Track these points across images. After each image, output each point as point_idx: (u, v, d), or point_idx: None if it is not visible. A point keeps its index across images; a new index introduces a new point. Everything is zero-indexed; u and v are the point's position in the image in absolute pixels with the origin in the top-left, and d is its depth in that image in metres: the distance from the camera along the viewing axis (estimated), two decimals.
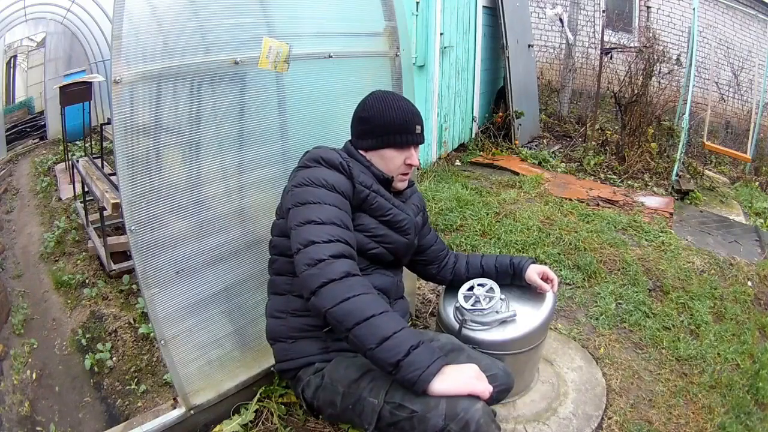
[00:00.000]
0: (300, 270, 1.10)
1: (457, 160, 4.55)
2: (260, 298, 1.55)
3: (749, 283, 2.82)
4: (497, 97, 5.33)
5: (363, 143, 1.36)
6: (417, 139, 1.36)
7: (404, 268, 1.54)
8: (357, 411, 1.14)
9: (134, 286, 2.71)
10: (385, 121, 1.32)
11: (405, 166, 1.37)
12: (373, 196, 1.30)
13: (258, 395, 1.60)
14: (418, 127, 1.35)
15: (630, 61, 4.89)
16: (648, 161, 4.52)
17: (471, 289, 1.56)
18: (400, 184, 1.40)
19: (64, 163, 5.10)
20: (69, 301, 2.73)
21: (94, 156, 4.60)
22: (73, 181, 4.31)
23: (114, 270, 2.84)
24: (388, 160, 1.35)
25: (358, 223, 1.27)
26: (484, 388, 1.04)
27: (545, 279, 1.59)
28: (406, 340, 1.02)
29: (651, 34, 5.13)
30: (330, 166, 1.25)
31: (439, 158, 4.40)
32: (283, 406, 1.62)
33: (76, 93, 5.18)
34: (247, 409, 1.56)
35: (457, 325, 1.53)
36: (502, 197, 3.59)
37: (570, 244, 2.92)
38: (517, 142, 4.88)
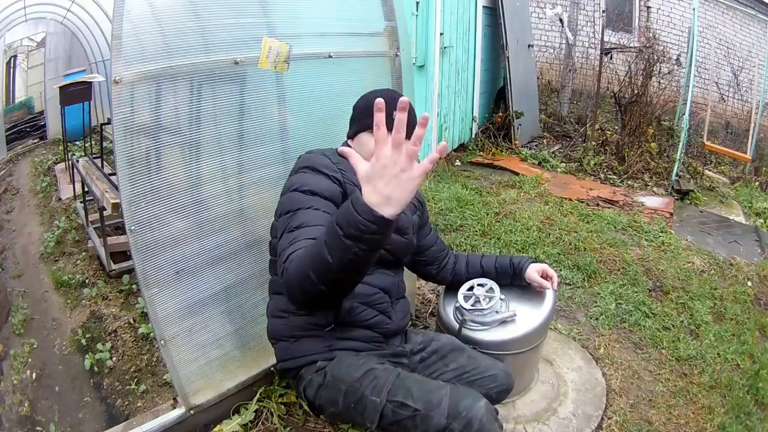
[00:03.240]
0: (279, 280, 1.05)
1: (457, 160, 4.55)
2: (260, 298, 1.56)
3: (749, 283, 2.82)
4: (497, 97, 5.33)
5: (348, 133, 1.39)
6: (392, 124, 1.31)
7: (404, 268, 1.53)
8: (359, 409, 1.14)
9: (134, 286, 2.71)
10: (363, 105, 1.34)
11: None
12: None
13: (258, 395, 1.60)
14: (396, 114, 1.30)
15: (630, 61, 4.89)
16: (648, 161, 4.52)
17: (471, 289, 1.56)
18: None
19: (64, 163, 5.10)
20: (69, 301, 2.73)
21: (94, 156, 4.60)
22: (73, 181, 4.31)
23: (114, 270, 2.84)
24: (363, 145, 1.31)
25: None
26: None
27: (545, 277, 1.59)
28: (329, 226, 0.90)
29: (651, 34, 5.13)
30: (317, 172, 1.23)
31: (439, 158, 4.40)
32: (283, 406, 1.62)
33: (76, 93, 5.18)
34: (247, 409, 1.56)
35: (457, 325, 1.53)
36: (502, 197, 3.59)
37: (570, 244, 2.92)
38: (517, 142, 4.88)
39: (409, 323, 1.52)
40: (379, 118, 0.79)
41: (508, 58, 4.79)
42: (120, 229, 3.22)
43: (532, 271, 1.57)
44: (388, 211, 0.83)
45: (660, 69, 4.80)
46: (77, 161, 3.95)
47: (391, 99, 1.30)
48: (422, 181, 0.86)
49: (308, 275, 0.93)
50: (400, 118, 0.78)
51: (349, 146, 1.36)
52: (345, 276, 0.92)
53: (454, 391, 1.11)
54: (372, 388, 1.13)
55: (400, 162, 0.81)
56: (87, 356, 2.24)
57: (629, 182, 4.25)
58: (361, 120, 1.33)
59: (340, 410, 1.19)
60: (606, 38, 5.24)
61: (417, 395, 1.08)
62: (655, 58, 4.74)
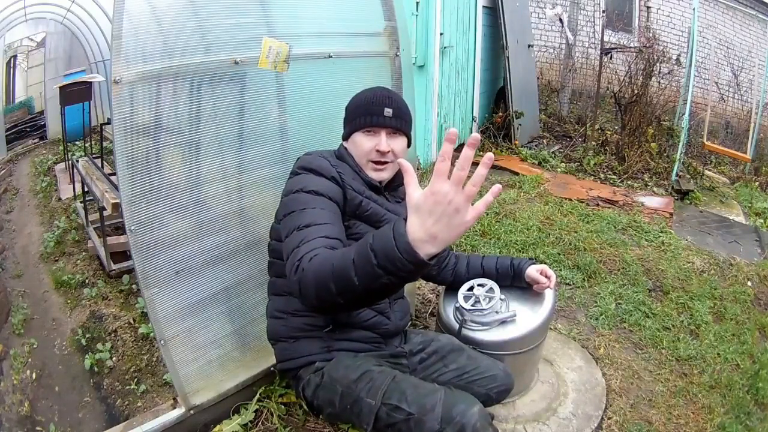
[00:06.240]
0: (288, 279, 1.04)
1: (457, 161, 4.55)
2: (260, 299, 1.55)
3: (749, 283, 2.82)
4: (497, 97, 5.33)
5: (343, 135, 1.37)
6: (384, 122, 1.28)
7: None
8: (355, 411, 1.14)
9: (134, 286, 2.71)
10: (354, 105, 1.33)
11: (376, 153, 1.28)
12: (366, 202, 1.28)
13: (258, 395, 1.60)
14: (388, 110, 1.27)
15: (630, 61, 4.89)
16: (648, 161, 4.52)
17: (471, 289, 1.56)
18: (373, 174, 1.31)
19: (64, 163, 5.11)
20: (69, 301, 2.73)
21: (94, 156, 4.60)
22: (73, 181, 4.31)
23: (114, 270, 2.84)
24: (358, 146, 1.30)
25: (354, 232, 1.25)
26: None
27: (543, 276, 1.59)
28: (361, 248, 0.86)
29: (651, 34, 5.14)
30: (318, 174, 1.22)
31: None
32: (283, 406, 1.62)
33: (76, 93, 5.19)
34: (246, 409, 1.56)
35: (457, 325, 1.53)
36: (502, 197, 3.59)
37: (570, 244, 2.92)
38: (517, 142, 4.88)
39: (409, 323, 1.52)
40: (447, 150, 0.72)
41: (508, 58, 4.79)
42: (120, 229, 3.22)
43: (532, 270, 1.57)
44: (429, 250, 0.77)
45: (660, 69, 4.80)
46: (77, 161, 3.96)
47: (383, 97, 1.30)
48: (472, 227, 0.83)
49: (328, 286, 0.90)
50: (467, 154, 0.71)
51: (345, 149, 1.35)
52: (367, 297, 0.91)
53: (448, 395, 1.10)
54: (367, 390, 1.13)
55: (456, 201, 0.73)
56: (87, 356, 2.24)
57: (629, 182, 4.25)
58: (353, 120, 1.32)
59: (337, 411, 1.20)
60: (606, 38, 5.24)
61: (411, 399, 1.08)
62: (655, 58, 4.74)
